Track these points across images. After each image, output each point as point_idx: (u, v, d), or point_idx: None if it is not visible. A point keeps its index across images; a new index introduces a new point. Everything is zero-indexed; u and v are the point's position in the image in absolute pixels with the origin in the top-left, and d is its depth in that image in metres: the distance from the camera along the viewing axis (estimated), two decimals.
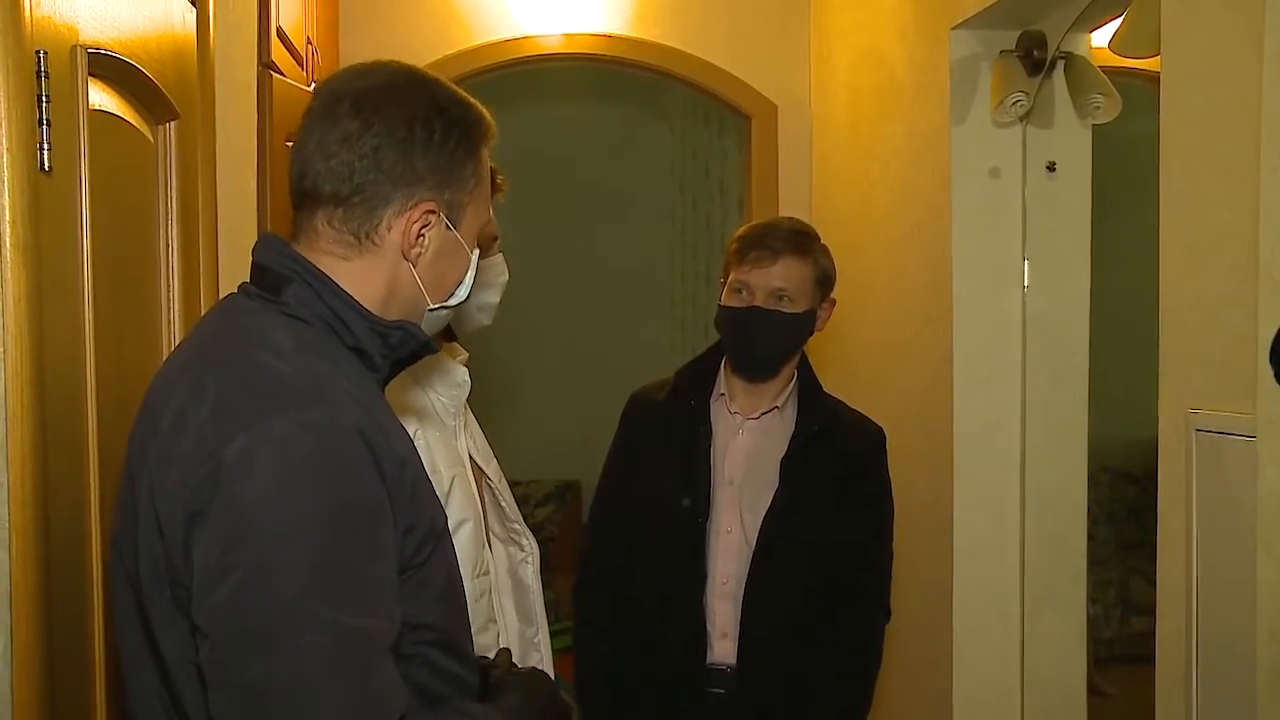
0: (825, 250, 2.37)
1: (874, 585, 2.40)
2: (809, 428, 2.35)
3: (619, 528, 2.44)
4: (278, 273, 1.37)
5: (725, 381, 2.42)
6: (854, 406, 2.49)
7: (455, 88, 1.43)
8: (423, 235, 1.39)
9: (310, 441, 1.20)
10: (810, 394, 2.41)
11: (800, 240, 2.33)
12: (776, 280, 2.29)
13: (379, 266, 1.38)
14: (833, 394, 2.48)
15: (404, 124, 1.35)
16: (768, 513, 2.31)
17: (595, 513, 2.55)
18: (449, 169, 1.38)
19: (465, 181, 1.41)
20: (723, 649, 2.32)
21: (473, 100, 1.43)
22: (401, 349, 1.41)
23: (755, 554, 2.31)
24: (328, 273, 1.36)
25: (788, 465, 2.32)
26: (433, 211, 1.38)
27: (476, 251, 1.47)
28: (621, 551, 2.42)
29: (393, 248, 1.37)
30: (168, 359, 1.42)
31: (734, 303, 2.33)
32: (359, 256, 1.37)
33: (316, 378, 1.25)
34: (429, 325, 1.48)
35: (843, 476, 2.36)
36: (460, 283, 1.47)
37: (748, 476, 2.35)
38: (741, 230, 2.39)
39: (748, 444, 2.38)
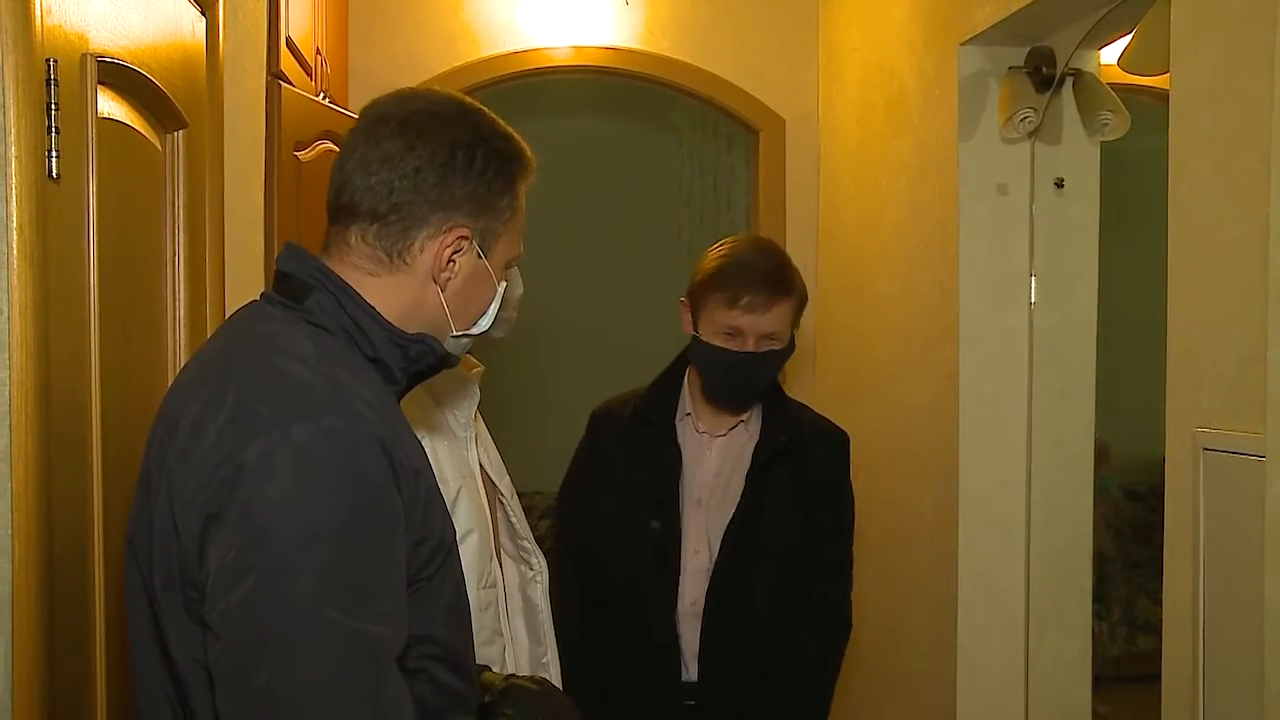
0: (798, 274, 2.32)
1: (834, 594, 2.38)
2: (774, 441, 2.33)
3: (589, 548, 2.42)
4: (301, 280, 1.38)
5: (690, 402, 2.39)
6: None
7: (500, 121, 1.44)
8: (454, 260, 1.40)
9: (330, 448, 1.20)
10: (774, 404, 2.39)
11: (786, 279, 2.27)
12: (769, 325, 2.25)
13: (406, 286, 1.39)
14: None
15: (446, 149, 1.37)
16: (729, 524, 2.29)
17: (564, 530, 2.53)
18: (486, 197, 1.40)
19: (501, 212, 1.42)
20: (693, 669, 2.32)
21: (517, 135, 1.45)
22: (420, 362, 1.42)
23: (715, 567, 2.29)
24: (354, 286, 1.37)
25: (752, 478, 2.31)
26: (466, 238, 1.39)
27: (504, 284, 1.48)
28: (593, 572, 2.40)
29: (423, 269, 1.39)
30: (187, 364, 1.42)
31: (727, 345, 2.26)
32: (388, 274, 1.38)
33: (338, 386, 1.26)
34: (450, 351, 1.48)
35: (806, 483, 2.34)
36: (484, 313, 1.48)
37: (714, 494, 2.34)
38: (716, 264, 2.28)
39: (715, 462, 2.36)
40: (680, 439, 2.36)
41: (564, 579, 2.45)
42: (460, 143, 1.38)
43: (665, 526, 2.31)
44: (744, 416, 2.36)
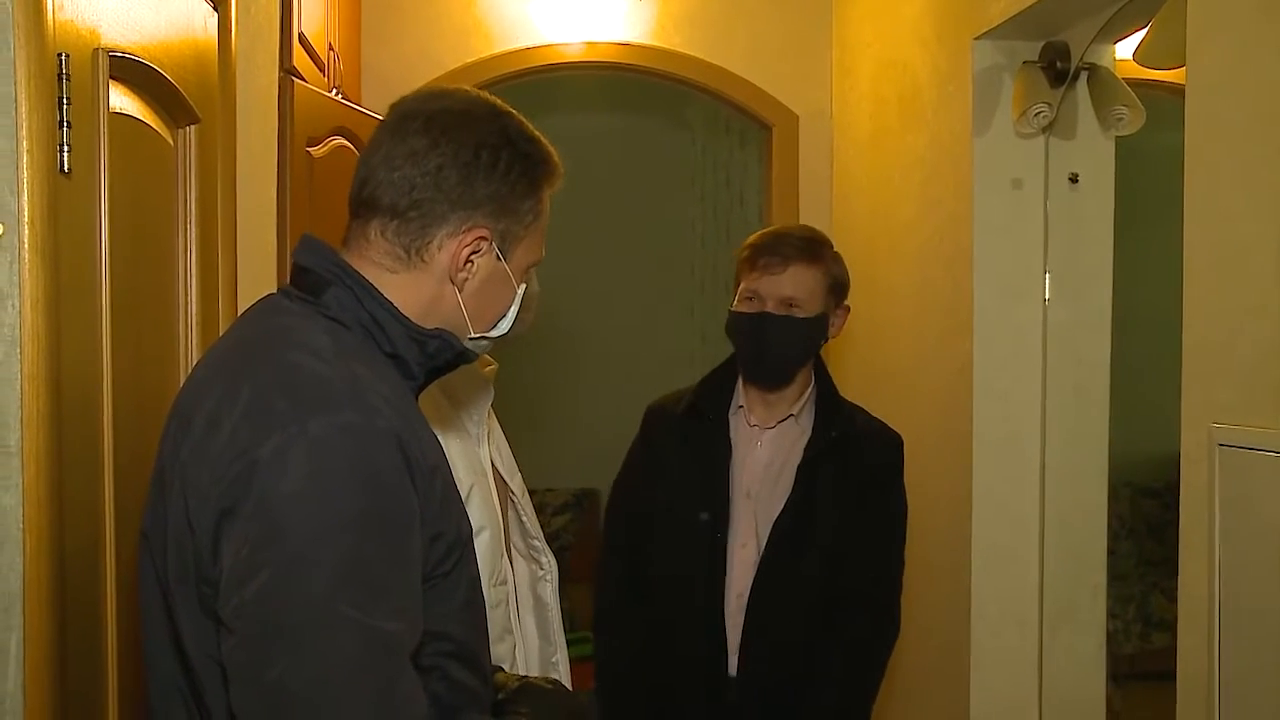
0: (838, 257, 2.36)
1: (883, 596, 2.37)
2: (825, 435, 2.34)
3: (638, 541, 2.43)
4: (319, 275, 1.37)
5: (743, 393, 2.41)
6: (871, 413, 2.47)
7: (529, 125, 1.44)
8: (471, 261, 1.39)
9: (346, 444, 1.19)
10: (828, 402, 2.40)
11: (811, 247, 2.31)
12: (786, 288, 2.28)
13: (424, 284, 1.39)
14: (855, 402, 2.46)
15: (471, 149, 1.37)
16: (778, 517, 2.30)
17: (613, 525, 2.54)
18: (508, 200, 1.39)
19: (523, 215, 1.42)
20: (735, 661, 2.31)
21: (545, 140, 1.45)
22: (438, 357, 1.42)
23: (762, 559, 2.29)
24: (371, 281, 1.37)
25: (802, 472, 2.31)
26: (485, 239, 1.39)
27: (523, 287, 1.48)
28: (642, 565, 2.41)
29: (440, 268, 1.38)
30: (203, 357, 1.42)
31: (744, 309, 2.32)
32: (405, 271, 1.38)
33: (355, 381, 1.25)
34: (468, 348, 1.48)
35: (858, 483, 2.34)
36: (503, 316, 1.47)
37: (763, 487, 2.35)
38: (753, 238, 2.38)
39: (765, 455, 2.37)
40: (732, 431, 2.38)
41: (608, 573, 2.49)
42: (486, 143, 1.37)
43: (714, 518, 2.31)
44: (794, 410, 2.37)
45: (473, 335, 1.45)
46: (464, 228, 1.37)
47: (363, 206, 1.39)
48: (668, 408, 2.48)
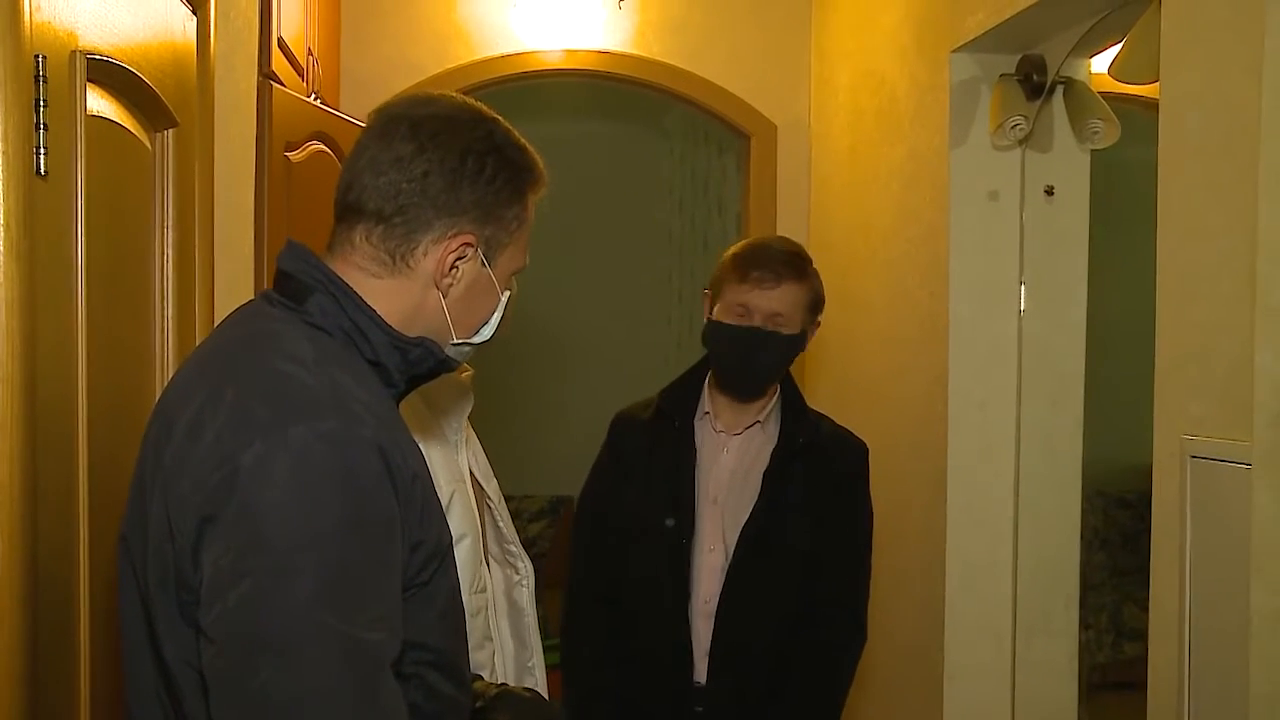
0: (816, 273, 2.38)
1: (850, 602, 2.38)
2: (792, 442, 2.35)
3: (605, 548, 2.43)
4: (302, 281, 1.37)
5: (709, 400, 2.41)
6: (847, 425, 2.48)
7: (516, 132, 1.44)
8: (456, 267, 1.39)
9: (327, 452, 1.19)
10: (793, 409, 2.41)
11: (799, 265, 2.33)
12: (777, 304, 2.29)
13: (408, 290, 1.38)
14: (821, 411, 2.47)
15: (457, 155, 1.37)
16: (745, 523, 2.31)
17: (580, 533, 2.54)
18: (493, 206, 1.39)
19: (508, 222, 1.42)
20: (702, 668, 2.32)
21: (531, 148, 1.45)
22: (420, 366, 1.41)
23: (730, 566, 2.30)
24: (355, 287, 1.37)
25: (768, 479, 2.32)
26: (470, 245, 1.39)
27: (507, 293, 1.48)
28: (608, 572, 2.41)
29: (425, 274, 1.38)
30: (185, 362, 1.41)
31: (735, 322, 2.31)
32: (390, 276, 1.38)
33: (336, 388, 1.25)
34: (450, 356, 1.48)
35: (824, 490, 2.35)
36: (486, 322, 1.47)
37: (730, 493, 2.35)
38: (737, 249, 2.38)
39: (731, 462, 2.38)
40: (697, 437, 2.39)
41: (575, 581, 2.48)
42: (472, 150, 1.37)
43: (680, 524, 2.32)
44: (760, 417, 2.38)
45: (455, 341, 1.45)
46: (449, 234, 1.37)
47: (348, 211, 1.39)
48: (635, 415, 2.49)
